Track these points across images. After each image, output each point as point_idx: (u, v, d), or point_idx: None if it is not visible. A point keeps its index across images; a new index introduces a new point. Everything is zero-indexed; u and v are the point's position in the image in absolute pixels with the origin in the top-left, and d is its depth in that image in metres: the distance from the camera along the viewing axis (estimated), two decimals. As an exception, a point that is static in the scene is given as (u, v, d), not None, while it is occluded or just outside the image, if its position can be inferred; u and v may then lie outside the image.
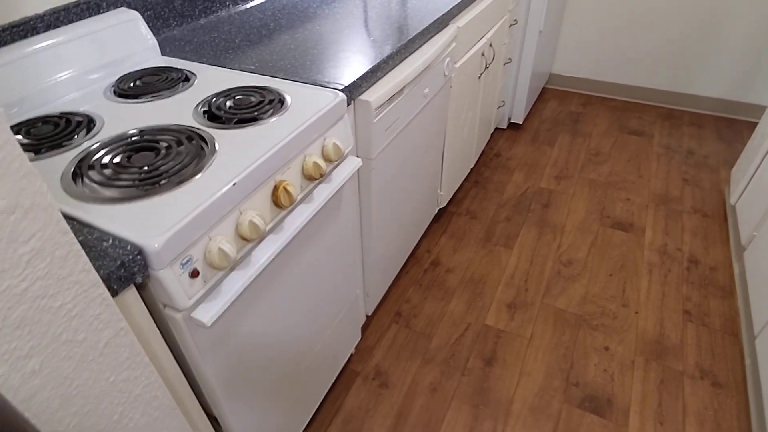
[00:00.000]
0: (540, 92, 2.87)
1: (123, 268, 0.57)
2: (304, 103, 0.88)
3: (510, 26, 2.05)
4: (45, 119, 0.85)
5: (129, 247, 0.58)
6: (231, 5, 1.40)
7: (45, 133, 0.81)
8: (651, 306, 1.61)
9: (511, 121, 2.52)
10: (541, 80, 2.67)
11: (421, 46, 1.24)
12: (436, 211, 1.91)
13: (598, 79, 2.79)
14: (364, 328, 1.58)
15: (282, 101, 0.89)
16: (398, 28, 1.22)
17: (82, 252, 0.45)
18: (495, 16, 1.76)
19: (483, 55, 1.73)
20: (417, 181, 1.50)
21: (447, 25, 1.37)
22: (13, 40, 0.92)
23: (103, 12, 1.07)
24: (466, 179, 2.19)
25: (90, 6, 1.04)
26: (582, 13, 2.63)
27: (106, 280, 0.55)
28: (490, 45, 1.78)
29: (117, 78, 1.00)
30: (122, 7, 1.09)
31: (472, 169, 2.23)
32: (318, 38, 1.17)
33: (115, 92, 0.95)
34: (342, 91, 0.93)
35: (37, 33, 0.96)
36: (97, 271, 0.55)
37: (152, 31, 1.19)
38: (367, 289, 1.41)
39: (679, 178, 2.17)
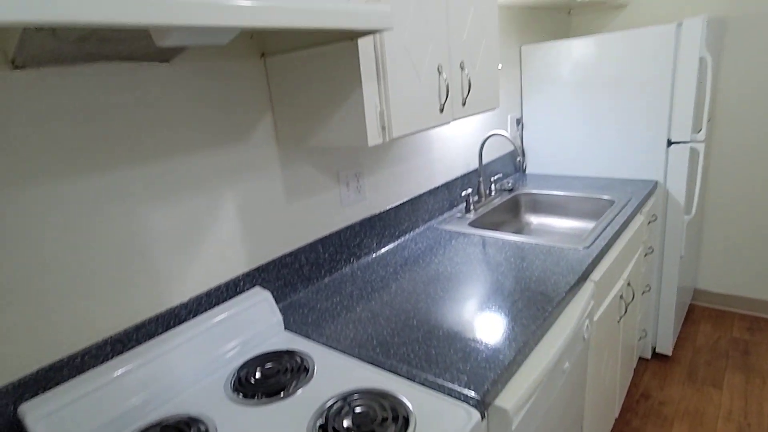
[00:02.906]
0: (686, 311, 2.50)
1: None
2: (430, 426, 0.75)
3: (645, 255, 1.87)
4: (163, 427, 0.82)
5: None
6: (354, 260, 1.44)
7: (157, 452, 0.77)
8: None
9: (657, 351, 2.15)
10: (685, 297, 2.34)
11: (557, 317, 1.11)
12: (579, 484, 1.53)
13: (765, 298, 2.37)
14: None
15: (407, 420, 0.77)
16: (530, 298, 1.11)
17: None
18: (630, 253, 1.61)
19: (621, 297, 1.54)
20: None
21: (584, 281, 1.24)
22: (157, 332, 0.97)
23: (240, 291, 1.12)
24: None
25: (229, 287, 1.11)
26: (725, 227, 2.38)
27: None
28: (628, 284, 1.60)
29: (240, 364, 0.99)
30: (256, 287, 1.15)
31: (616, 418, 1.84)
32: (443, 311, 1.10)
33: (234, 386, 0.92)
34: (475, 405, 0.80)
35: (180, 321, 1.01)
36: None
37: (279, 297, 1.23)
38: None
39: None
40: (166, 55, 0.90)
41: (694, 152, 1.88)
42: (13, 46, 0.69)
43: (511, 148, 2.22)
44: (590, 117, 2.02)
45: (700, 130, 1.84)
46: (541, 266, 1.28)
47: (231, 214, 1.10)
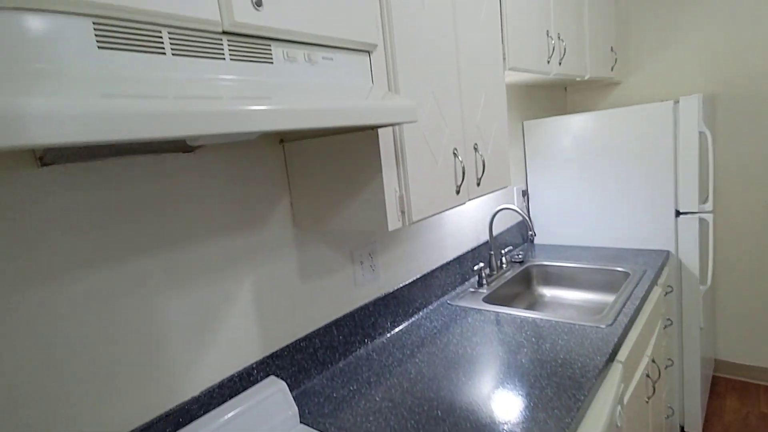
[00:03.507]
0: (710, 383, 2.39)
1: None
2: None
3: (665, 328, 1.82)
4: None
5: None
6: (369, 341, 1.39)
7: None
8: None
9: (686, 430, 2.03)
10: (707, 369, 2.24)
11: (589, 404, 1.05)
12: None
13: (786, 369, 2.28)
14: None
15: None
16: (559, 384, 1.06)
17: None
18: (651, 328, 1.56)
19: (648, 376, 1.47)
20: None
21: (611, 363, 1.19)
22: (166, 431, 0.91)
23: (254, 381, 1.07)
24: None
25: (242, 377, 1.05)
26: (739, 296, 2.34)
27: None
28: (653, 360, 1.54)
29: (254, 466, 0.92)
30: (271, 377, 1.09)
31: None
32: (468, 400, 1.04)
33: (249, 494, 0.84)
34: None
35: (191, 418, 0.95)
36: None
37: (293, 384, 1.17)
38: None
39: None
40: (190, 147, 0.92)
41: (703, 222, 1.88)
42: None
43: (518, 219, 2.23)
44: (595, 188, 2.05)
45: (707, 200, 1.85)
46: (565, 347, 1.23)
47: (246, 299, 1.07)
